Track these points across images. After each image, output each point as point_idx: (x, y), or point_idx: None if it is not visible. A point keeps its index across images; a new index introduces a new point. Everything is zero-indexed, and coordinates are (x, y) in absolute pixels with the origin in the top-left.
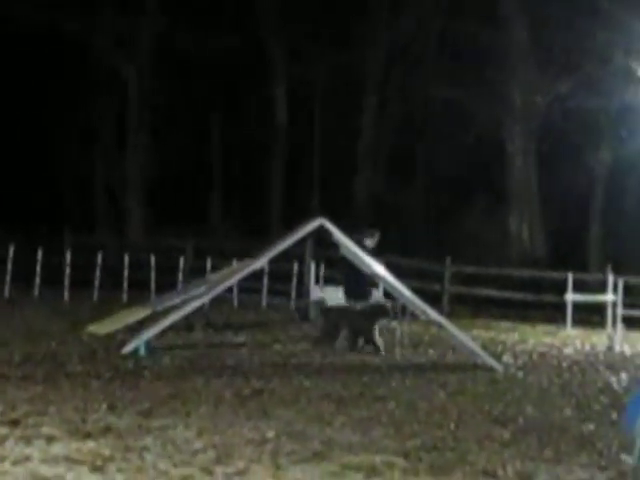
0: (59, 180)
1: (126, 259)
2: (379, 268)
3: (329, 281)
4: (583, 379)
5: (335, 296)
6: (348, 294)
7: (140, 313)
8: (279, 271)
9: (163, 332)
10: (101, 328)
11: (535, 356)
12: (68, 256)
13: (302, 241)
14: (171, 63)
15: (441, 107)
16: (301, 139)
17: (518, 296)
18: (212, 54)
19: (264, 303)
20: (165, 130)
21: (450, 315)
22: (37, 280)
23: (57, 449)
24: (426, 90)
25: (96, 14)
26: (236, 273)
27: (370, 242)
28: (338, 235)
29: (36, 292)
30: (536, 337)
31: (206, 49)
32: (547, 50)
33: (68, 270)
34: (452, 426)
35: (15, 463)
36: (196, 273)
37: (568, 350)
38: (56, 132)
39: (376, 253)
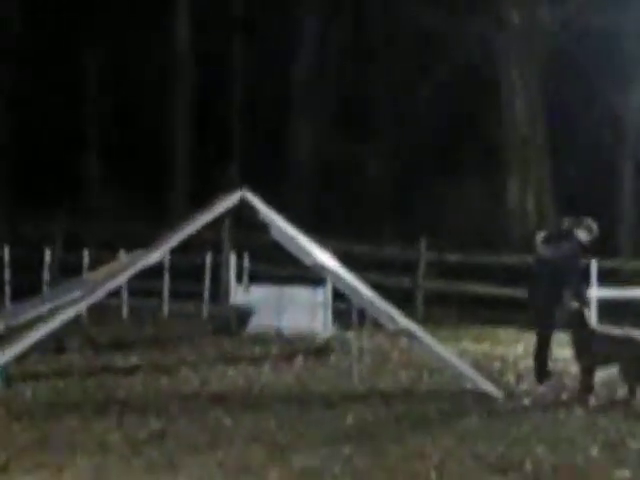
0: None
1: None
2: (325, 257)
3: (256, 278)
4: (620, 408)
5: (265, 298)
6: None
7: None
8: (186, 266)
9: (24, 354)
10: None
11: (550, 376)
12: None
13: (218, 222)
14: None
15: (408, 34)
16: (214, 80)
17: (522, 293)
18: None
19: (165, 311)
20: (25, 84)
21: (427, 321)
22: None
23: None
24: (385, 8)
25: None
26: (125, 270)
27: (585, 236)
28: (266, 212)
29: None
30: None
31: None
32: None
33: None
34: (433, 477)
35: None
36: (68, 270)
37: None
38: None
39: (587, 252)
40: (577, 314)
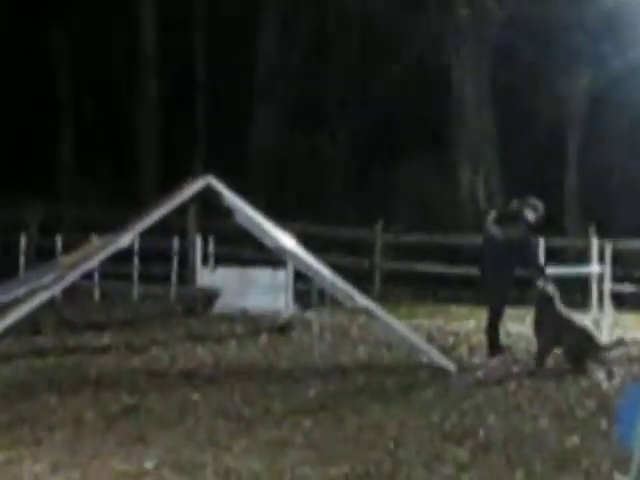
0: None
1: None
2: (287, 240)
3: (221, 261)
4: (563, 378)
5: (230, 279)
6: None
7: None
8: (154, 249)
9: (0, 336)
10: None
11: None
12: None
13: (184, 208)
14: None
15: (365, 25)
16: (178, 73)
17: (473, 272)
18: None
19: (135, 293)
20: None
21: (384, 299)
22: None
23: None
24: (338, 3)
25: None
26: (96, 254)
27: (532, 215)
28: (230, 198)
29: None
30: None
31: None
32: None
33: None
34: (390, 446)
35: None
36: (43, 255)
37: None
38: None
39: (536, 230)
40: (544, 295)
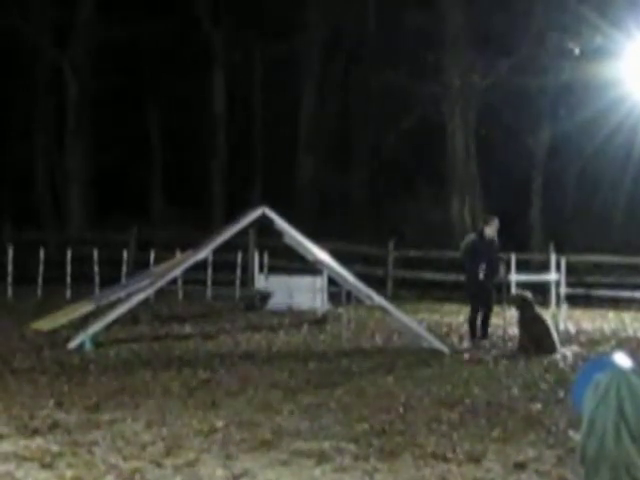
0: None
1: (69, 254)
2: (322, 255)
3: (273, 270)
4: (529, 358)
5: (280, 284)
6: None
7: (84, 308)
8: (223, 261)
9: (109, 326)
10: (46, 324)
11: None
12: (10, 252)
13: (245, 230)
14: (107, 52)
15: (381, 91)
16: (241, 127)
17: (462, 278)
18: (149, 44)
19: (209, 294)
20: (104, 121)
21: (394, 299)
22: None
23: (5, 446)
24: (366, 74)
25: (29, 7)
26: (180, 264)
27: (490, 231)
28: (280, 223)
29: None
30: None
31: (143, 38)
32: (483, 31)
33: (10, 267)
34: (400, 410)
35: None
36: (140, 266)
37: (513, 330)
38: None
39: (494, 242)
40: (521, 299)
